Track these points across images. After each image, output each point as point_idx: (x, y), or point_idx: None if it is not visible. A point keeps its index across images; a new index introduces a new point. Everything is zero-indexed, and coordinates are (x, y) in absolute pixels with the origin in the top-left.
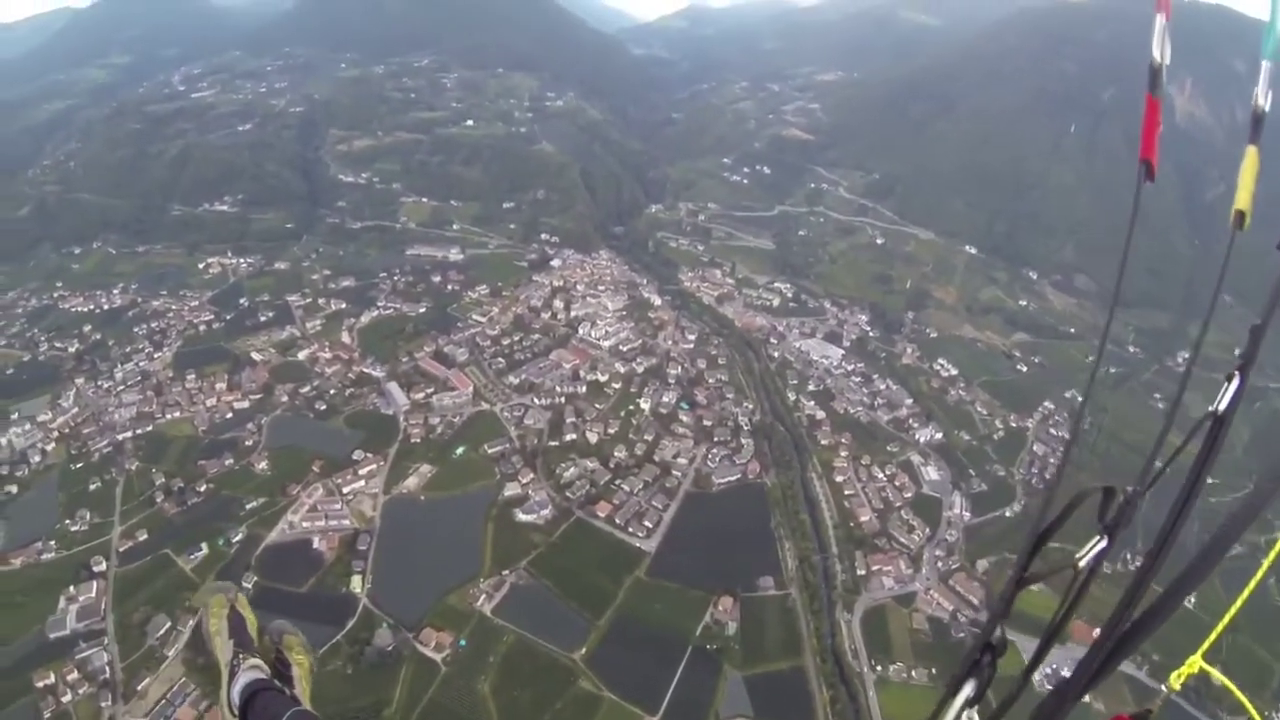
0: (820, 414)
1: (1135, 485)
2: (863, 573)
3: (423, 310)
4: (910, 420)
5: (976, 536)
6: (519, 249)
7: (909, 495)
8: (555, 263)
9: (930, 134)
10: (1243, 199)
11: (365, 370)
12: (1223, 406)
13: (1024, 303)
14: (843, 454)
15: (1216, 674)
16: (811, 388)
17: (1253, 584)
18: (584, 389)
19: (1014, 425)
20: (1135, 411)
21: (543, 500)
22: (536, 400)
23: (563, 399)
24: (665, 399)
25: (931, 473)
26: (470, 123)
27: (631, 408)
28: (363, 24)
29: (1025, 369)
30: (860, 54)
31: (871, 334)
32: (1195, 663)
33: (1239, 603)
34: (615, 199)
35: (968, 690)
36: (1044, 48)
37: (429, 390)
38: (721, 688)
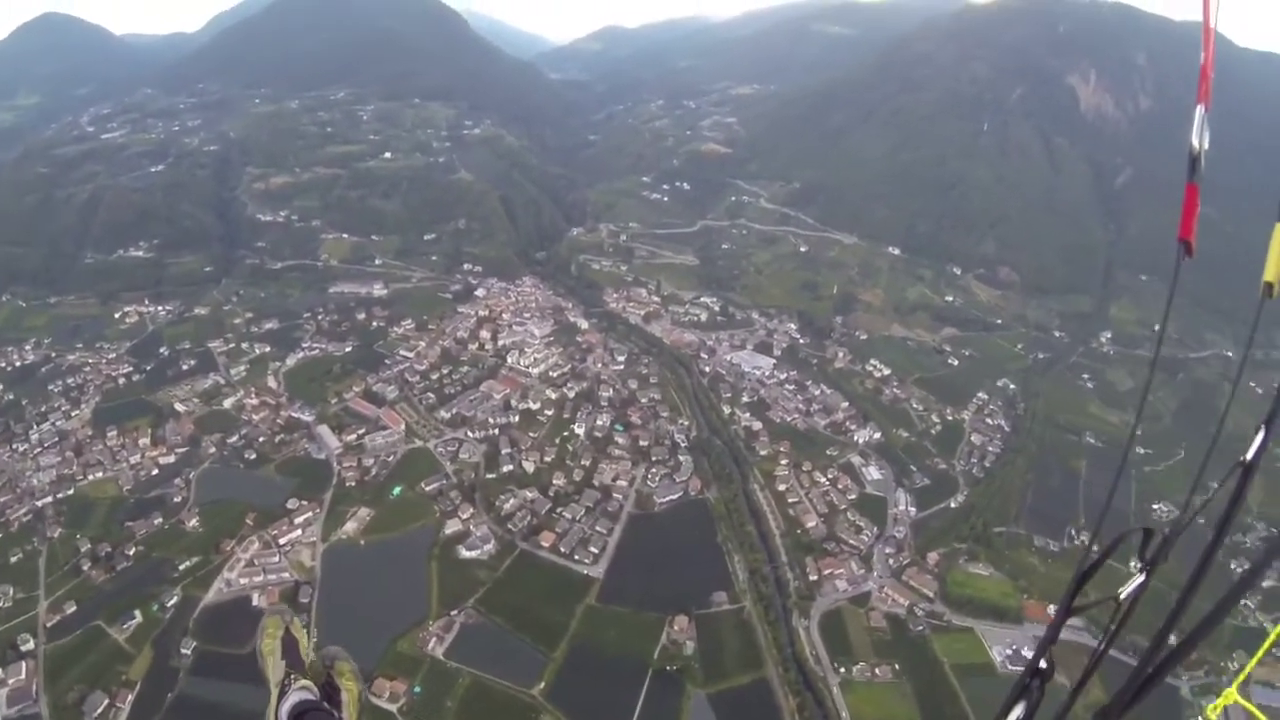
0: (757, 425)
1: (1172, 527)
2: (815, 578)
3: (349, 349)
4: (847, 423)
5: (924, 530)
6: (443, 280)
7: (853, 497)
8: (480, 292)
9: (849, 141)
10: (1272, 271)
11: (294, 415)
12: (1250, 455)
13: (950, 298)
14: (783, 462)
15: (1251, 707)
16: (746, 399)
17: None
18: (517, 418)
19: (950, 418)
20: (1065, 393)
21: (485, 535)
22: (470, 433)
23: (496, 430)
24: (599, 422)
25: (873, 472)
26: (388, 155)
27: (566, 434)
28: (277, 58)
29: (956, 363)
30: (776, 67)
31: (801, 341)
32: (1231, 695)
33: (1273, 636)
34: (536, 224)
35: (1018, 712)
36: (955, 53)
37: (360, 431)
38: (686, 708)
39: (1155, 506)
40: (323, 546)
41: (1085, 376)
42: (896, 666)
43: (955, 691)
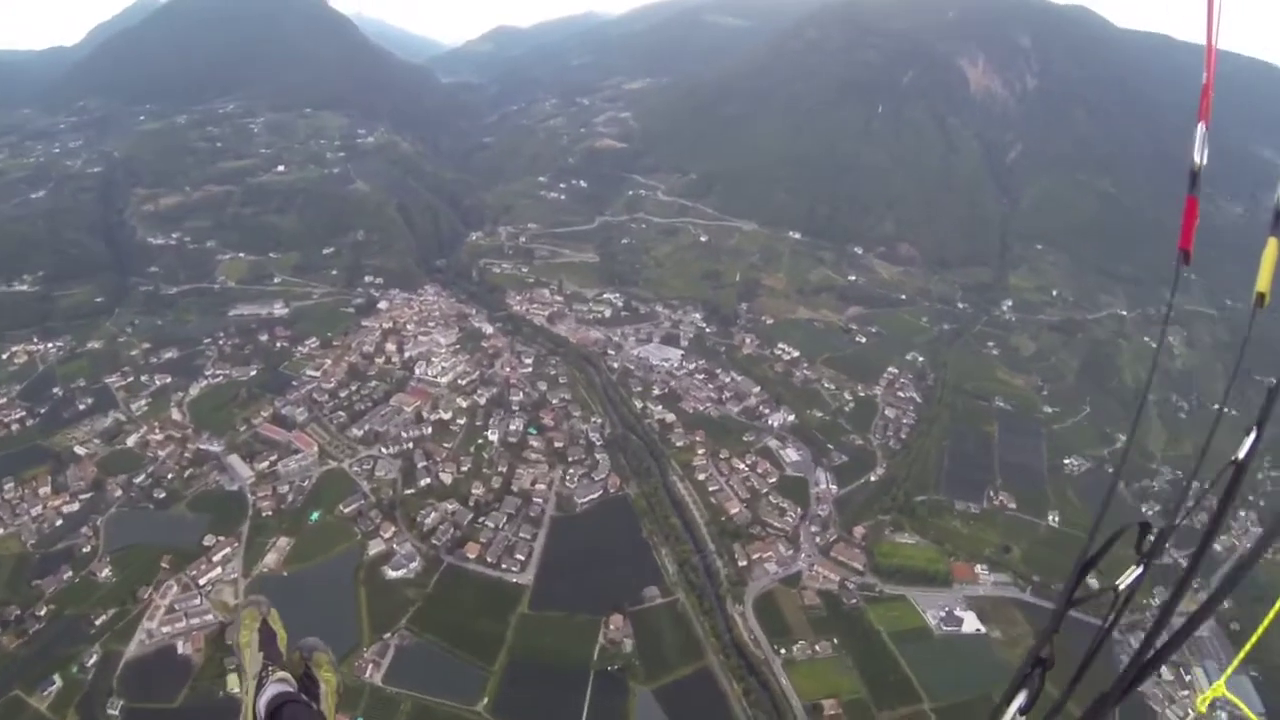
0: (670, 417)
1: (1166, 522)
2: (744, 563)
3: (254, 373)
4: (761, 407)
5: (848, 506)
6: (344, 295)
7: (773, 480)
8: (382, 304)
9: (744, 130)
10: (1263, 283)
11: (202, 447)
12: (1242, 454)
13: (853, 278)
14: (700, 452)
15: (1238, 700)
16: (657, 392)
17: (1273, 612)
18: (430, 430)
19: (862, 395)
20: (972, 361)
21: (409, 553)
22: (384, 449)
23: (410, 444)
24: (513, 427)
25: (791, 454)
26: (281, 168)
27: (480, 441)
28: (161, 71)
29: (864, 340)
30: (670, 60)
31: (708, 330)
32: (1219, 688)
33: (1260, 629)
34: (435, 231)
35: (1020, 700)
36: (847, 39)
37: (272, 457)
38: (632, 706)
39: (1066, 461)
40: (245, 582)
41: (990, 344)
42: (835, 641)
43: (895, 658)
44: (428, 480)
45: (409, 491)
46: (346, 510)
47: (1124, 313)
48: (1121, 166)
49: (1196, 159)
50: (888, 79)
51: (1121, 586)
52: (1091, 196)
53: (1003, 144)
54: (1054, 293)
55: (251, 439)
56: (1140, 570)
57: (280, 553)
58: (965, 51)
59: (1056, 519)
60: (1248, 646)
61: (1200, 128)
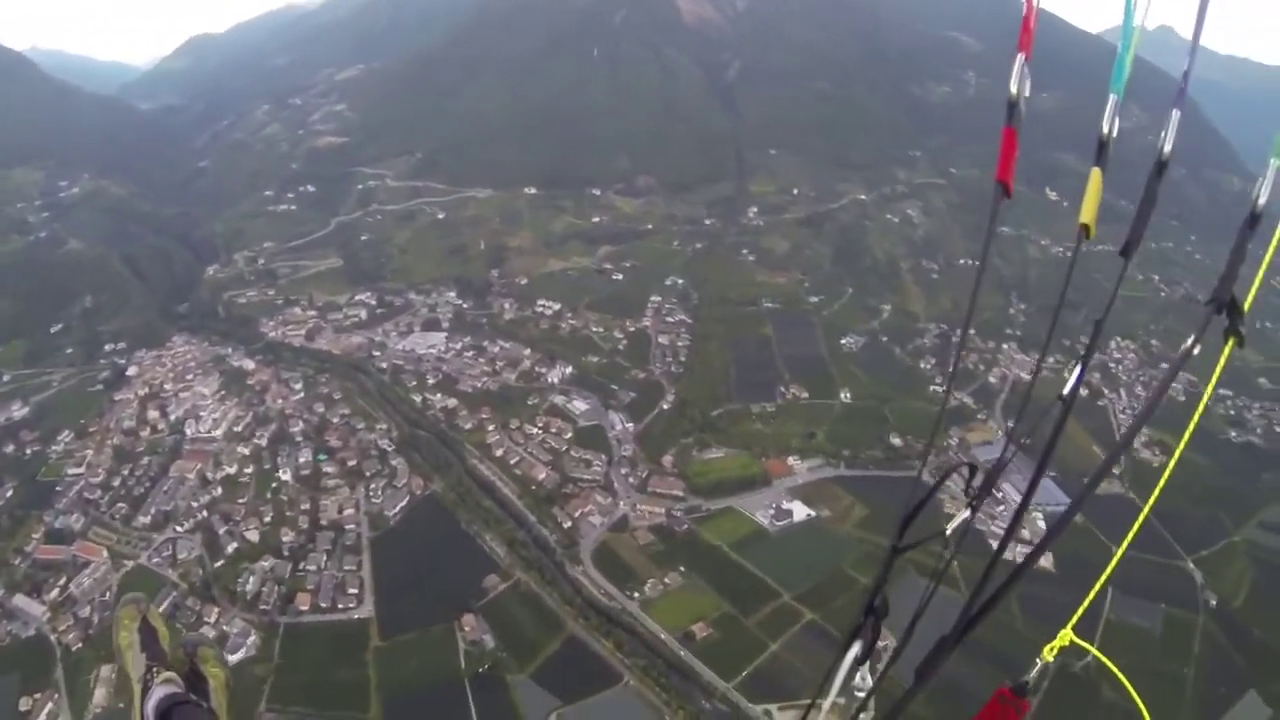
0: (451, 402)
1: (994, 462)
2: (569, 524)
3: (9, 494)
4: (537, 368)
5: (649, 439)
6: (87, 372)
7: (569, 435)
8: (131, 371)
9: (462, 99)
10: (1087, 213)
11: None
12: (1066, 390)
13: (596, 219)
14: (490, 428)
15: (1088, 646)
16: (431, 381)
17: (1117, 557)
18: (220, 490)
19: (632, 330)
20: (731, 271)
21: (242, 629)
22: (178, 528)
23: (204, 512)
24: (302, 459)
25: (579, 405)
26: None
27: (275, 485)
28: None
29: (621, 277)
30: (377, 43)
31: (466, 306)
32: (1066, 635)
33: (1106, 574)
34: (169, 276)
35: (855, 650)
36: None
37: (61, 581)
38: (517, 698)
39: (843, 341)
40: None
41: (744, 251)
42: (681, 569)
43: (741, 565)
44: (234, 545)
45: (219, 564)
46: (161, 609)
47: (863, 196)
48: (837, 68)
49: (1014, 89)
50: (599, 21)
51: (949, 531)
52: (813, 98)
53: (721, 64)
54: (794, 191)
55: (31, 569)
56: (969, 513)
57: (108, 685)
58: None
59: (848, 395)
60: (1097, 586)
61: (1020, 58)
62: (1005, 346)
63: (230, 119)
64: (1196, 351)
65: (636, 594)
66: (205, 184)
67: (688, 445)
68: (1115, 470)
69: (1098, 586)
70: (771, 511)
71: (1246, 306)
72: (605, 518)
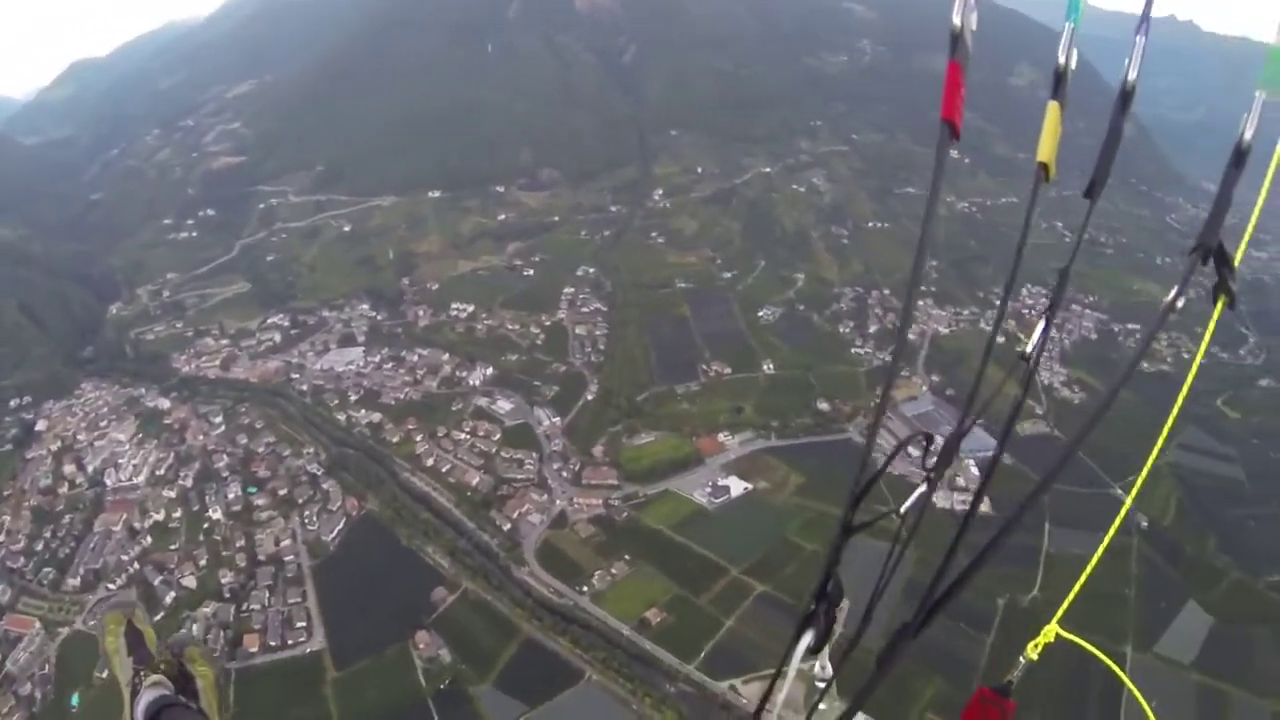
0: (375, 416)
1: (952, 432)
2: (508, 526)
3: None
4: (457, 372)
5: (577, 431)
6: None
7: (497, 436)
8: (40, 425)
9: (358, 107)
10: (1045, 152)
11: None
12: (1030, 348)
13: (503, 217)
14: (418, 439)
15: (1078, 640)
16: (354, 397)
17: (1101, 548)
18: (150, 539)
19: (548, 324)
20: (642, 255)
21: None
22: (111, 585)
23: (136, 564)
24: (231, 495)
25: (504, 405)
26: None
27: (206, 525)
28: None
29: (532, 272)
30: (270, 55)
31: (380, 318)
32: (1051, 631)
33: (1089, 568)
34: (70, 320)
35: (807, 639)
36: None
37: None
38: (481, 709)
39: (760, 314)
40: None
41: (654, 234)
42: (627, 557)
43: (686, 545)
44: (172, 594)
45: (159, 616)
46: (104, 675)
47: (768, 169)
48: (734, 44)
49: (956, 21)
50: (493, 16)
51: (904, 509)
52: (711, 76)
53: (616, 49)
54: (699, 170)
55: None
56: (924, 488)
57: None
58: None
59: (771, 366)
60: (1080, 582)
61: None
62: (921, 303)
63: (120, 146)
64: (1180, 304)
65: (585, 588)
66: (99, 218)
67: (617, 433)
68: (1038, 410)
69: (1082, 580)
70: (708, 490)
71: (1237, 258)
72: (544, 515)
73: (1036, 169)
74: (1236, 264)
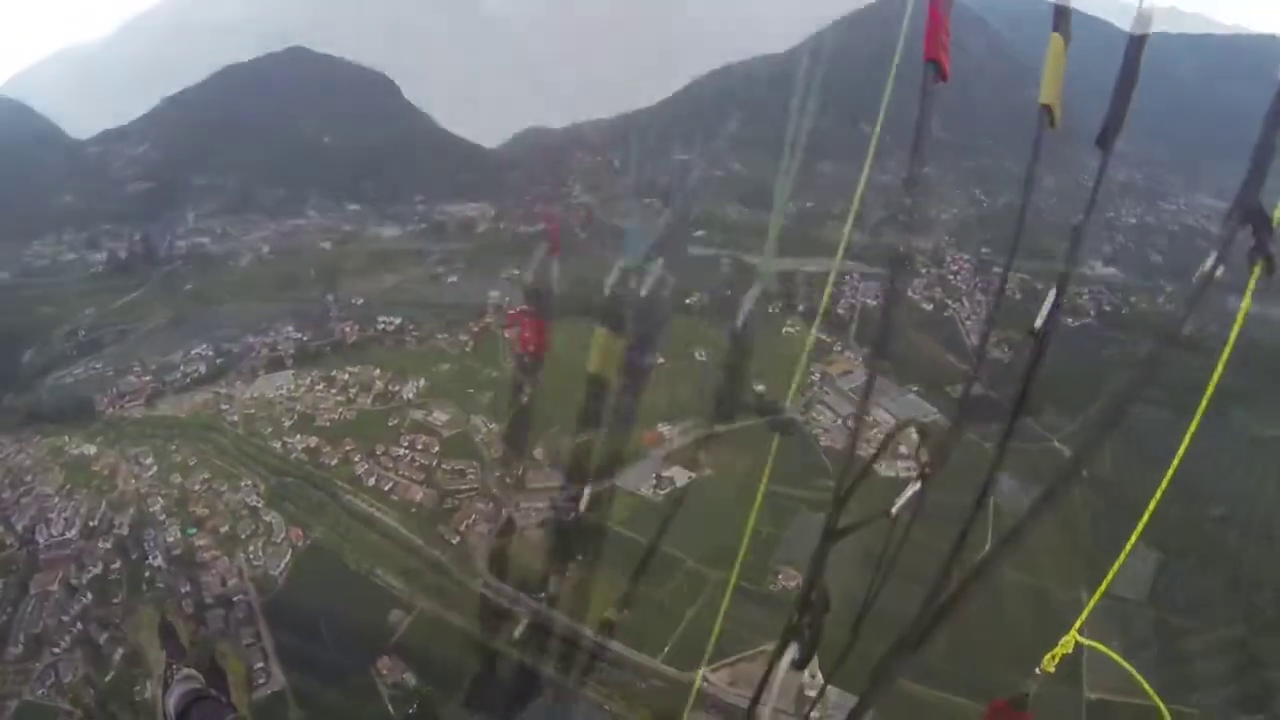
0: (312, 440)
1: (950, 426)
2: (457, 540)
3: None
4: (390, 386)
5: (515, 435)
6: None
7: (436, 449)
8: None
9: (275, 116)
10: (1048, 93)
11: None
12: (1040, 322)
13: (424, 225)
14: (356, 459)
15: (1100, 646)
16: (288, 423)
17: (1122, 557)
18: (90, 595)
19: (476, 329)
20: (563, 251)
21: None
22: (56, 650)
23: (78, 624)
24: (170, 539)
25: (440, 415)
26: None
27: (148, 573)
28: None
29: (456, 279)
30: (174, 70)
31: (306, 338)
32: (1070, 642)
33: (1109, 577)
34: None
35: (791, 653)
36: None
37: None
38: None
39: (688, 301)
40: None
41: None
42: (579, 558)
43: (636, 540)
44: (120, 650)
45: (109, 676)
46: None
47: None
48: None
49: None
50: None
51: (895, 510)
52: None
53: None
54: None
55: None
56: (918, 487)
57: None
58: None
59: (703, 353)
60: (1100, 590)
61: None
62: (848, 276)
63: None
64: (1220, 273)
65: (543, 595)
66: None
67: (555, 434)
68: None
69: (1101, 589)
70: (653, 482)
71: (1277, 218)
72: (491, 524)
73: (1039, 113)
74: (1277, 225)
